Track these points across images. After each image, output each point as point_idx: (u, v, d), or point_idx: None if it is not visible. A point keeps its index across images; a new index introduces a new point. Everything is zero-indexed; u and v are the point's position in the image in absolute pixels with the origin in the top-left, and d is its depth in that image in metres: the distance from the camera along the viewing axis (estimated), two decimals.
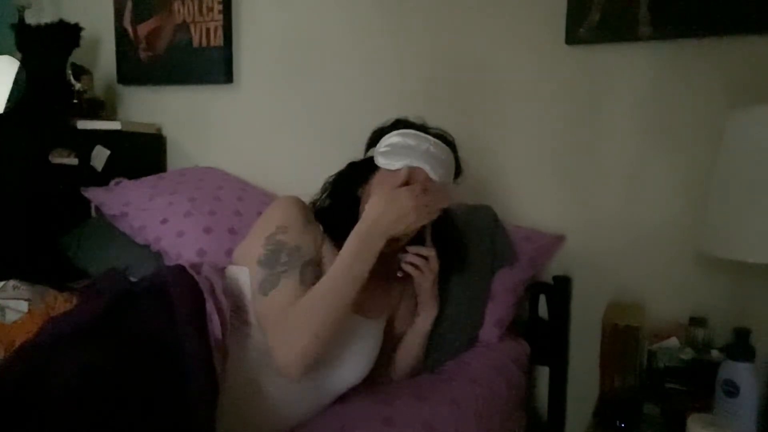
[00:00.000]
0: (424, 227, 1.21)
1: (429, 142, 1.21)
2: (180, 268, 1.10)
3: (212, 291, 1.07)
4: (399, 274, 1.23)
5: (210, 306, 1.04)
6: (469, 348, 1.46)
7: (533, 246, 1.64)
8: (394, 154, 1.19)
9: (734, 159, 1.22)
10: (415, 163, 1.17)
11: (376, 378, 1.30)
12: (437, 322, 1.35)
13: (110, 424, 0.83)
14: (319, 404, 1.15)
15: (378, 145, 1.25)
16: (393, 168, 1.18)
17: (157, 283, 1.07)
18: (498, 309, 1.52)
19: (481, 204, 1.61)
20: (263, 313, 1.08)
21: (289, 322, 1.02)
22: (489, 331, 1.50)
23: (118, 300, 1.03)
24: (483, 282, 1.52)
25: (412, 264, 1.22)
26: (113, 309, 1.01)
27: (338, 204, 1.23)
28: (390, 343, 1.32)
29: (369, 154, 1.27)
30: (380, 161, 1.21)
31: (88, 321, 0.98)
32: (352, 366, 1.18)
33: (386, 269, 1.22)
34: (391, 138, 1.23)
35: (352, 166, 1.27)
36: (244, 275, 1.16)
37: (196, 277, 1.08)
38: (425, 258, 1.22)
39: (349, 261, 1.05)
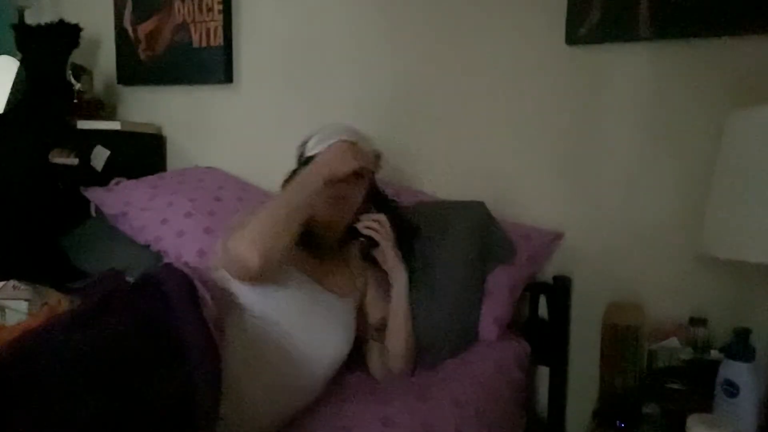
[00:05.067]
0: (368, 204, 1.40)
1: (344, 127, 1.39)
2: (167, 265, 1.17)
3: (202, 278, 1.13)
4: (361, 239, 1.36)
5: (202, 290, 1.08)
6: (469, 346, 1.47)
7: (532, 244, 1.64)
8: (323, 140, 1.35)
9: (734, 159, 1.22)
10: (343, 137, 1.33)
11: (373, 372, 1.35)
12: (431, 316, 1.39)
13: (109, 398, 0.84)
14: (313, 380, 1.19)
15: (305, 148, 1.41)
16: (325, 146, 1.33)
17: (148, 278, 1.11)
18: (496, 307, 1.52)
19: (473, 200, 1.61)
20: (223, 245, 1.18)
21: (243, 227, 1.13)
22: (488, 329, 1.50)
23: (112, 292, 1.06)
24: (476, 277, 1.52)
25: (368, 228, 1.35)
26: (109, 299, 1.04)
27: None
28: (366, 330, 1.38)
29: (303, 159, 1.41)
30: (313, 151, 1.35)
31: (83, 311, 1.00)
32: (332, 339, 1.25)
33: (347, 255, 1.40)
34: (315, 136, 1.40)
35: (295, 171, 1.39)
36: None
37: (184, 269, 1.13)
38: (378, 223, 1.36)
39: (291, 188, 1.21)
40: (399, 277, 1.38)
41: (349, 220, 1.37)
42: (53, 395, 0.82)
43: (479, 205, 1.59)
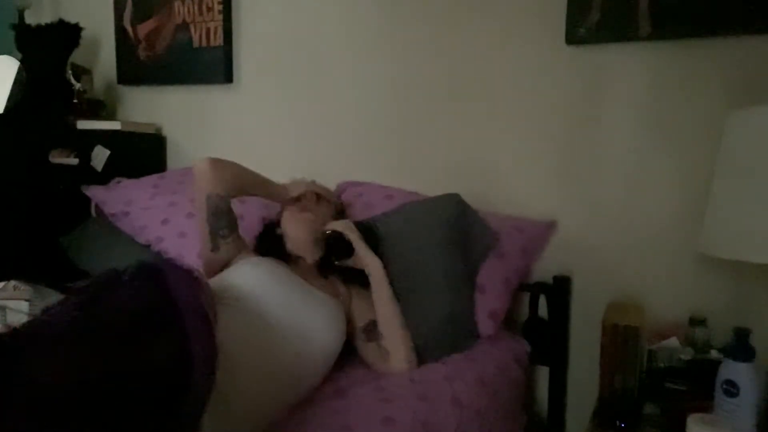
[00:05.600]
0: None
1: None
2: (164, 258, 1.20)
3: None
4: (327, 232, 1.45)
5: (199, 274, 1.11)
6: (469, 339, 1.47)
7: (524, 235, 1.64)
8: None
9: (734, 159, 1.22)
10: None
11: (380, 372, 1.35)
12: (421, 311, 1.42)
13: (106, 363, 0.85)
14: (307, 368, 1.22)
15: None
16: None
17: (145, 263, 1.12)
18: (491, 301, 1.51)
19: (448, 193, 1.61)
20: None
21: None
22: (484, 324, 1.49)
23: (107, 282, 1.07)
24: (459, 265, 1.52)
25: (337, 226, 1.46)
26: (104, 287, 1.04)
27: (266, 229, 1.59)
28: (357, 335, 1.41)
29: None
30: None
31: (81, 296, 1.01)
32: (322, 324, 1.29)
33: (330, 283, 1.46)
34: None
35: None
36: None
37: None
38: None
39: None
40: (373, 265, 1.42)
41: (316, 236, 1.46)
42: (53, 360, 0.83)
43: (452, 197, 1.60)
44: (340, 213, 1.63)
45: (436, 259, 1.49)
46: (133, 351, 0.89)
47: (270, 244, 1.50)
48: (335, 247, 1.44)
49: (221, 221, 1.44)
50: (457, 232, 1.54)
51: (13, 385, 0.79)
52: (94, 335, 0.89)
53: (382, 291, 1.40)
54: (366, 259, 1.42)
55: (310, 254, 1.47)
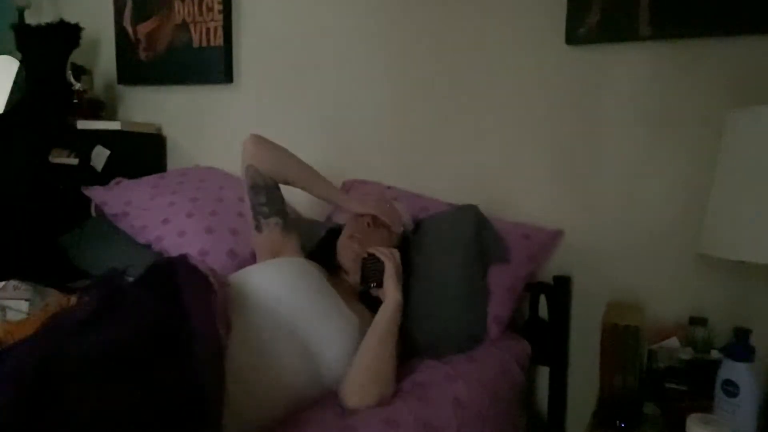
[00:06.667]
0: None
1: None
2: (183, 256, 1.19)
3: (212, 271, 1.16)
4: (369, 252, 1.40)
5: (214, 282, 1.11)
6: (476, 345, 1.47)
7: (531, 242, 1.64)
8: None
9: (734, 159, 1.22)
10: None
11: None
12: (438, 324, 1.40)
13: (127, 393, 0.85)
14: (316, 374, 1.20)
15: None
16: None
17: (160, 268, 1.12)
18: (496, 306, 1.51)
19: (466, 204, 1.61)
20: None
21: None
22: (489, 329, 1.49)
23: (118, 290, 1.07)
24: (477, 279, 1.52)
25: (379, 252, 1.39)
26: (114, 297, 1.05)
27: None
28: None
29: None
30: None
31: (91, 311, 1.01)
32: (336, 339, 1.25)
33: (364, 308, 1.40)
34: None
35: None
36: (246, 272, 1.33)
37: (199, 264, 1.16)
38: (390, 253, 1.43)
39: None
40: (389, 300, 1.33)
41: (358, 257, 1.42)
42: (78, 395, 0.83)
43: (471, 208, 1.59)
44: (406, 240, 1.56)
45: (455, 271, 1.48)
46: (151, 376, 0.89)
47: (325, 247, 1.51)
48: (365, 270, 1.39)
49: (260, 197, 1.46)
50: (477, 247, 1.53)
51: (53, 420, 0.79)
52: (117, 361, 0.88)
53: (380, 326, 1.29)
54: (388, 290, 1.34)
55: (353, 274, 1.45)
